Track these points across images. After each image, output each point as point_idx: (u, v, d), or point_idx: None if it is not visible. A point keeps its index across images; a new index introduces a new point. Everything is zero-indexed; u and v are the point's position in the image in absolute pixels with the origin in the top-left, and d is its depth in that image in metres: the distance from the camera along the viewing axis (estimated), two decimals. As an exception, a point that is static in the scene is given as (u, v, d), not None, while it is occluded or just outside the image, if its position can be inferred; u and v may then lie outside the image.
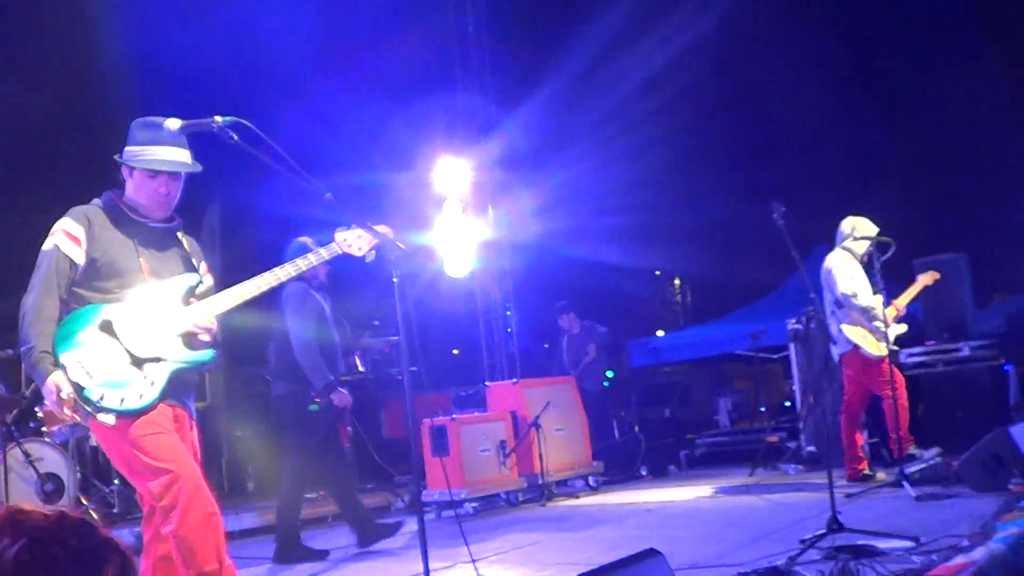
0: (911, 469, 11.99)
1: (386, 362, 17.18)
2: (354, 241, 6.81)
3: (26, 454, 12.14)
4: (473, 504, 14.07)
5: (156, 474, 6.11)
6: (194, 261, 6.70)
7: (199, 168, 6.52)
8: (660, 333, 33.77)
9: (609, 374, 19.57)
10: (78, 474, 12.62)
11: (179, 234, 6.73)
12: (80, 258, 6.30)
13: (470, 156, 19.40)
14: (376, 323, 17.34)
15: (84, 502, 12.57)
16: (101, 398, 6.04)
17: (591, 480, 15.93)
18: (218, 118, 5.98)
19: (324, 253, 6.83)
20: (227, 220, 19.31)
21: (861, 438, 13.16)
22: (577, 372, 18.09)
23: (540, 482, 14.71)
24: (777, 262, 12.07)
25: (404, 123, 19.13)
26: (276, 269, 6.63)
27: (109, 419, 6.06)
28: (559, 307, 19.49)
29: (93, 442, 13.21)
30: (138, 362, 6.19)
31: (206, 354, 6.45)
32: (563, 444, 15.43)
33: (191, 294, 6.53)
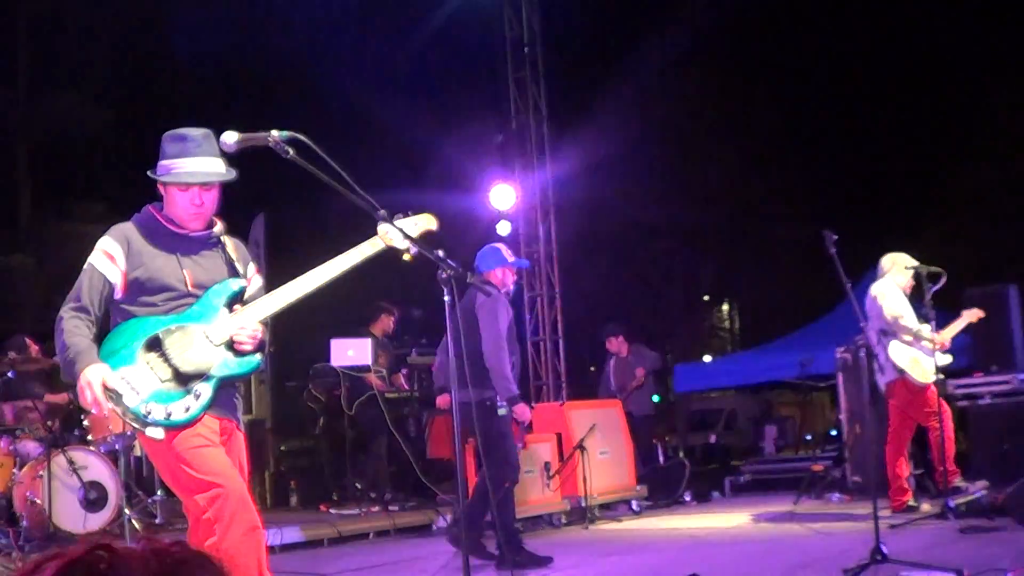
0: (956, 501, 11.93)
1: (432, 380, 17.21)
2: (396, 233, 6.73)
3: (71, 462, 12.18)
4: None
5: (202, 487, 6.12)
6: (239, 266, 6.63)
7: (232, 176, 6.46)
8: (707, 358, 33.73)
9: (655, 399, 19.54)
10: (122, 483, 12.65)
11: (223, 238, 6.69)
12: (114, 277, 6.30)
13: (522, 177, 19.44)
14: (423, 341, 17.36)
15: (127, 512, 12.60)
16: (148, 413, 6.08)
17: (634, 504, 15.89)
18: (275, 132, 5.98)
19: (367, 248, 6.66)
20: (273, 233, 19.37)
21: (906, 469, 13.09)
22: (624, 396, 18.03)
23: (583, 505, 14.68)
24: (827, 289, 12.04)
25: (457, 144, 19.20)
26: (318, 268, 6.59)
27: (158, 433, 6.09)
28: (608, 329, 19.45)
29: (137, 452, 13.24)
30: (183, 376, 6.20)
31: (251, 362, 6.43)
32: (607, 467, 15.39)
33: (236, 300, 6.53)
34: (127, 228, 6.45)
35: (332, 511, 15.53)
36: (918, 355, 12.64)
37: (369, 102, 18.35)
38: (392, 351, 16.63)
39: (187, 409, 6.16)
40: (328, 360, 15.87)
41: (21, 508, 12.10)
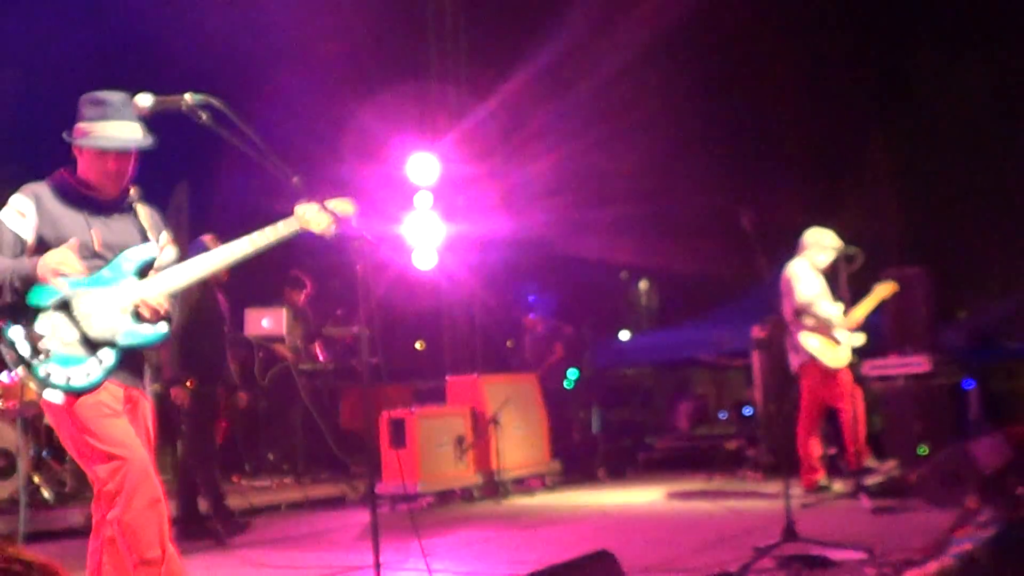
0: (868, 481, 12.01)
1: (348, 352, 17.14)
2: (313, 216, 6.65)
3: (-23, 430, 12.04)
4: (428, 499, 14.02)
5: (103, 458, 6.05)
6: (151, 233, 6.54)
7: (149, 142, 6.36)
8: (624, 335, 33.77)
9: (573, 374, 19.53)
10: (31, 452, 12.50)
11: (136, 205, 6.58)
12: (26, 233, 6.20)
13: (441, 147, 19.36)
14: (339, 313, 17.30)
15: (35, 480, 12.47)
16: (48, 375, 6.00)
17: (548, 479, 15.89)
18: (188, 96, 5.88)
19: (282, 228, 6.59)
20: (196, 199, 19.16)
21: (818, 448, 13.12)
22: (541, 371, 18.00)
23: (496, 479, 14.67)
24: (744, 267, 12.09)
25: (374, 113, 19.05)
26: (231, 244, 6.52)
27: (56, 396, 6.00)
28: (525, 304, 19.43)
29: (48, 419, 13.08)
30: (88, 341, 6.13)
31: (156, 332, 6.35)
32: (522, 442, 15.37)
33: (147, 268, 6.42)
34: (38, 187, 6.35)
35: (244, 482, 15.45)
36: (829, 340, 12.70)
37: (278, 66, 18.16)
38: (307, 322, 16.54)
39: (88, 375, 6.09)
40: (242, 329, 15.77)
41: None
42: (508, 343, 22.73)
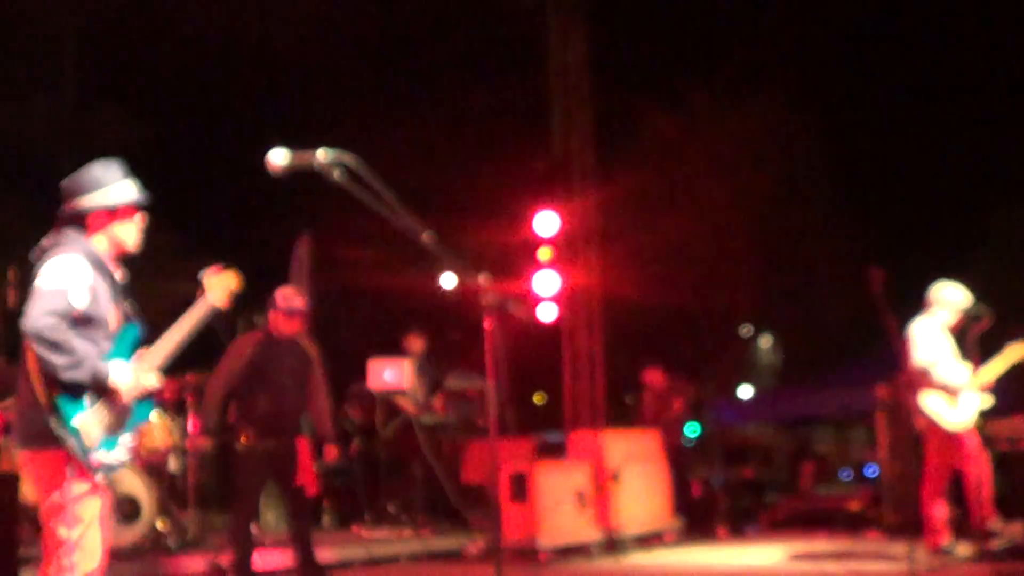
0: (994, 544, 11.82)
1: (470, 406, 17.14)
2: (214, 287, 6.65)
3: (105, 475, 12.16)
4: (548, 554, 13.96)
5: (67, 552, 6.02)
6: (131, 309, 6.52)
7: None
8: (745, 392, 33.61)
9: (693, 431, 19.43)
10: (156, 498, 12.61)
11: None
12: (81, 306, 6.08)
13: (565, 203, 19.39)
14: (462, 367, 17.33)
15: (159, 527, 12.58)
16: (100, 462, 6.03)
17: (668, 536, 15.78)
18: (320, 153, 5.74)
19: (199, 307, 6.56)
20: (318, 252, 19.33)
21: (943, 510, 12.93)
22: (660, 426, 17.91)
23: (616, 535, 14.59)
24: (870, 325, 11.95)
25: (498, 167, 19.18)
26: (168, 332, 6.49)
27: (102, 480, 6.08)
28: (645, 360, 19.35)
29: (172, 467, 13.21)
30: (116, 423, 6.15)
31: (143, 411, 6.39)
32: (642, 497, 15.29)
33: (137, 346, 6.43)
34: (86, 262, 6.21)
35: (364, 533, 15.49)
36: (950, 402, 12.48)
37: (406, 122, 18.35)
38: (430, 375, 16.59)
39: (118, 458, 6.16)
40: (365, 380, 15.84)
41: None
42: (627, 399, 22.67)
